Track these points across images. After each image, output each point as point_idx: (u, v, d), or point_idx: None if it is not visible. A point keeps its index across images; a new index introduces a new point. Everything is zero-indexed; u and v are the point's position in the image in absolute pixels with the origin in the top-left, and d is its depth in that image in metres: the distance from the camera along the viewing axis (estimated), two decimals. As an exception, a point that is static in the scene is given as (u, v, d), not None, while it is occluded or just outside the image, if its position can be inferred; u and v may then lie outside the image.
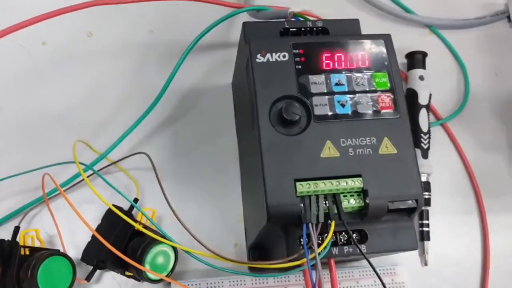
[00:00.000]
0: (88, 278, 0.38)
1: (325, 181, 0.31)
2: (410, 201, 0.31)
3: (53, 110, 0.44)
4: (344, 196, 0.31)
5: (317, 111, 0.32)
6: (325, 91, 0.33)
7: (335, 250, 0.32)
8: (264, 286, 0.40)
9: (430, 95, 0.46)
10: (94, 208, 0.41)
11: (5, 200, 0.41)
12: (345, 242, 0.32)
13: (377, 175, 0.31)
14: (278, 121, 0.32)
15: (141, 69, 0.46)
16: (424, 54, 0.47)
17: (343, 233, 0.32)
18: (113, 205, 0.40)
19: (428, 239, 0.44)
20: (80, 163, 0.37)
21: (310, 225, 0.30)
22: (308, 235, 0.30)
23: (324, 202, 0.31)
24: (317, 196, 0.31)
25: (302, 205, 0.30)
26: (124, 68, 0.46)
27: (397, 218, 0.32)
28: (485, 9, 0.52)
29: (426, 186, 0.44)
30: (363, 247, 0.32)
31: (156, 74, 0.45)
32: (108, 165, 0.42)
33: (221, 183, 0.44)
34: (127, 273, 0.39)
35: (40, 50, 0.46)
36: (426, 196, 0.44)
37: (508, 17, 0.52)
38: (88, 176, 0.41)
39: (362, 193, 0.31)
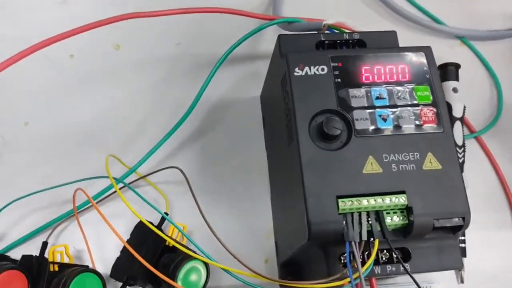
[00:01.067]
0: (118, 296, 0.38)
1: (368, 198, 0.30)
2: (457, 219, 0.30)
3: (80, 124, 0.44)
4: (387, 213, 0.30)
5: (358, 125, 0.31)
6: (366, 105, 0.32)
7: (378, 269, 0.31)
8: (297, 304, 0.39)
9: (464, 107, 0.45)
10: (123, 223, 0.40)
11: (33, 215, 0.41)
12: (386, 260, 0.31)
13: (422, 191, 0.30)
14: (318, 136, 0.31)
15: (168, 82, 0.46)
16: (457, 66, 0.46)
17: (385, 251, 0.31)
18: (143, 219, 0.40)
19: (465, 255, 0.42)
20: (115, 178, 0.37)
21: (353, 243, 0.29)
22: (351, 254, 0.29)
23: (367, 219, 0.30)
24: (360, 213, 0.30)
25: (344, 222, 0.29)
26: (151, 81, 0.46)
27: (441, 236, 0.31)
28: (517, 20, 0.51)
29: (462, 201, 0.43)
30: (406, 266, 0.30)
31: (184, 87, 0.45)
32: (137, 179, 0.41)
33: (249, 197, 0.43)
34: (158, 290, 0.38)
35: (67, 63, 0.46)
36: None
37: (540, 27, 0.51)
38: (120, 188, 0.41)
39: (406, 210, 0.30)
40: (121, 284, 0.38)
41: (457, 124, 0.44)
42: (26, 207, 0.40)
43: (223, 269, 0.31)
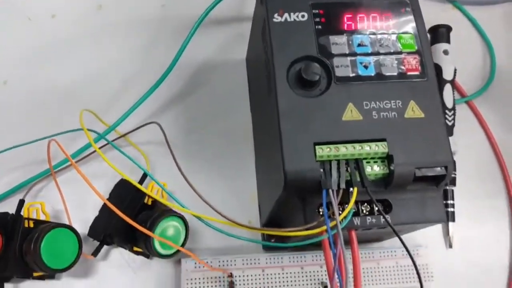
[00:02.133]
0: (95, 254, 0.37)
1: (347, 145, 0.29)
2: (439, 168, 0.29)
3: (61, 84, 0.43)
4: (367, 162, 0.29)
5: (338, 72, 0.30)
6: (347, 52, 0.31)
7: (357, 221, 0.30)
8: (279, 265, 0.38)
9: (455, 70, 0.44)
10: (102, 183, 0.39)
11: (9, 174, 0.40)
12: (367, 213, 0.30)
13: (403, 140, 0.29)
14: (297, 82, 0.30)
15: (152, 44, 0.45)
16: (448, 28, 0.45)
17: (365, 203, 0.30)
18: (122, 179, 0.39)
19: (453, 220, 0.41)
20: (91, 130, 0.36)
21: (330, 191, 0.28)
22: (329, 203, 0.28)
23: (346, 169, 0.29)
24: (338, 161, 0.29)
25: (322, 170, 0.28)
26: (134, 42, 0.45)
27: (423, 188, 0.30)
28: (511, -16, 0.50)
29: (451, 165, 0.42)
30: (387, 218, 0.29)
31: (168, 48, 0.44)
32: (118, 138, 0.40)
33: (233, 161, 0.42)
34: (135, 248, 0.37)
35: (49, 23, 0.45)
36: (452, 175, 0.42)
37: (536, -7, 0.49)
38: (93, 152, 0.40)
39: (387, 159, 0.29)
40: (98, 243, 0.37)
41: (447, 87, 0.43)
42: (2, 166, 0.40)
43: (197, 217, 0.30)
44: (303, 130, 0.29)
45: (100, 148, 0.40)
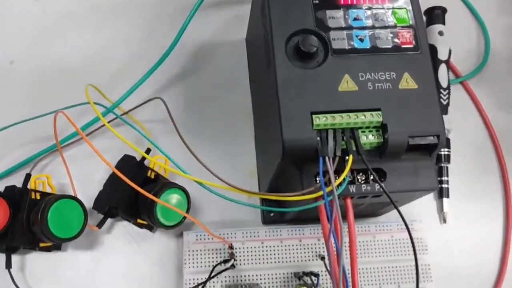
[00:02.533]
0: (100, 225, 0.38)
1: (343, 114, 0.30)
2: (431, 137, 0.30)
3: (66, 64, 0.44)
4: (363, 131, 0.30)
5: (335, 45, 0.31)
6: (343, 26, 0.32)
7: (353, 188, 0.31)
8: (278, 238, 0.40)
9: (450, 51, 0.45)
10: (108, 158, 0.40)
11: (16, 149, 0.41)
12: (362, 182, 0.31)
13: (397, 110, 0.30)
14: (295, 55, 0.31)
15: (154, 24, 0.46)
16: (443, 10, 0.46)
17: (361, 173, 0.31)
18: (126, 154, 0.40)
19: (448, 196, 0.42)
20: (97, 103, 0.37)
21: (327, 159, 0.29)
22: (325, 171, 0.29)
23: (341, 137, 0.30)
24: (335, 130, 0.30)
25: (318, 138, 0.29)
26: (137, 23, 0.46)
27: (417, 157, 0.31)
28: (506, -32, 0.51)
29: (446, 143, 0.43)
30: (382, 185, 0.30)
31: (170, 29, 0.45)
32: (122, 114, 0.42)
33: (233, 137, 0.43)
34: (139, 221, 0.38)
35: (53, 4, 0.46)
36: (446, 152, 0.43)
37: (531, -23, 0.50)
38: (101, 127, 0.41)
39: (381, 128, 0.30)
40: (102, 216, 0.39)
41: (442, 67, 0.44)
42: (9, 142, 0.41)
43: (201, 183, 0.31)
44: (301, 100, 0.30)
45: (101, 126, 0.42)
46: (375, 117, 0.30)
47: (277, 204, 0.37)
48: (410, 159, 0.31)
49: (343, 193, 0.30)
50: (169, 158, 0.33)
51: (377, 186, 0.31)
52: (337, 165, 0.30)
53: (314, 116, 0.29)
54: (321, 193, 0.29)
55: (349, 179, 0.31)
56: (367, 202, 0.34)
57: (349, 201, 0.31)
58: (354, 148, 0.30)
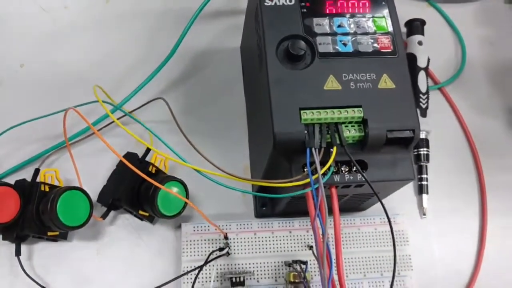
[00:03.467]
0: (104, 216, 0.41)
1: (328, 110, 0.33)
2: (407, 131, 0.33)
3: (73, 67, 0.47)
4: (346, 126, 0.34)
5: (321, 49, 0.35)
6: (329, 32, 0.35)
7: (337, 177, 0.34)
8: (269, 229, 0.42)
9: (429, 59, 0.49)
10: (110, 156, 0.43)
11: (26, 146, 0.44)
12: (346, 172, 0.34)
13: (377, 107, 0.34)
14: (285, 57, 0.34)
15: (155, 33, 0.49)
16: (422, 22, 0.50)
17: (345, 165, 0.34)
18: (128, 151, 0.43)
19: (427, 192, 0.46)
20: (106, 102, 0.40)
21: (313, 150, 0.32)
22: (312, 162, 0.32)
23: (327, 131, 0.33)
24: (321, 125, 0.33)
25: (306, 132, 0.33)
26: (139, 31, 0.49)
27: (395, 150, 0.34)
28: (481, -15, 0.55)
29: (425, 143, 0.47)
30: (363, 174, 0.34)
31: (169, 37, 0.48)
32: (124, 115, 0.45)
33: (229, 136, 0.46)
34: (141, 212, 0.41)
35: (62, 13, 0.49)
36: (425, 152, 0.46)
37: (503, -7, 0.55)
38: (106, 125, 0.44)
39: (362, 123, 0.33)
40: (106, 209, 0.41)
41: (422, 74, 0.48)
42: (20, 139, 0.43)
43: (199, 171, 0.34)
44: (290, 98, 0.33)
45: (107, 125, 0.45)
46: (356, 113, 0.33)
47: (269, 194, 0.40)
48: (388, 151, 0.34)
49: (328, 182, 0.33)
50: (170, 149, 0.36)
51: (359, 176, 0.34)
52: (322, 156, 0.33)
53: (302, 111, 0.33)
54: (308, 180, 0.32)
55: (334, 170, 0.34)
56: (351, 192, 0.37)
57: (334, 190, 0.34)
58: (338, 141, 0.33)
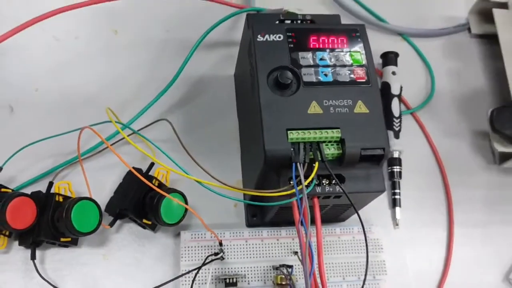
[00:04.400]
0: (111, 224, 0.45)
1: (311, 131, 0.38)
2: (379, 150, 0.39)
3: (83, 92, 0.52)
4: (326, 145, 0.39)
5: (305, 78, 0.40)
6: (312, 64, 0.41)
7: (319, 189, 0.39)
8: (259, 237, 0.47)
9: (401, 87, 0.55)
10: (116, 171, 0.48)
11: (39, 163, 0.48)
12: (326, 184, 0.40)
13: (353, 128, 0.39)
14: (274, 85, 0.40)
15: (158, 62, 0.55)
16: (396, 54, 0.56)
17: (325, 178, 0.40)
18: (133, 167, 0.48)
19: (399, 205, 0.51)
20: (118, 122, 0.45)
21: (298, 164, 0.38)
22: (297, 176, 0.38)
23: (310, 149, 0.38)
24: (305, 143, 0.38)
25: (292, 149, 0.38)
26: (144, 60, 0.55)
27: (368, 166, 0.40)
28: (449, 22, 0.62)
29: (398, 161, 0.52)
30: (342, 187, 0.39)
31: (171, 66, 0.53)
32: (131, 134, 0.50)
33: (223, 154, 0.51)
34: (144, 221, 0.46)
35: (73, 42, 0.54)
36: (398, 169, 0.52)
37: (469, 29, 0.61)
38: (113, 144, 0.49)
39: (341, 142, 0.39)
40: (113, 217, 0.46)
41: (395, 100, 0.54)
42: (35, 155, 0.48)
43: (199, 181, 0.39)
44: (279, 120, 0.39)
45: (114, 143, 0.50)
46: (335, 134, 0.39)
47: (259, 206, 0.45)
48: (363, 167, 0.40)
49: (311, 193, 0.39)
50: (173, 162, 0.41)
51: (337, 188, 0.39)
52: (306, 171, 0.38)
53: (289, 131, 0.38)
54: (293, 191, 0.37)
55: (316, 183, 0.39)
56: (331, 203, 0.42)
57: (316, 200, 0.40)
58: (319, 157, 0.38)
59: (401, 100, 0.55)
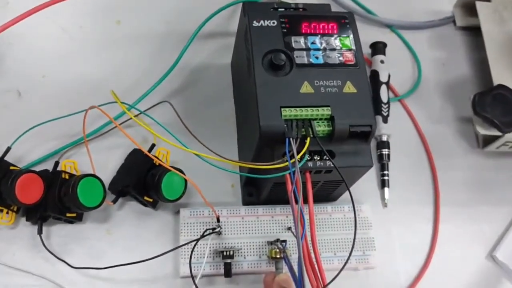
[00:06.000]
0: (114, 201, 0.48)
1: (303, 109, 0.41)
2: (366, 127, 0.42)
3: (88, 78, 0.55)
4: (317, 122, 0.42)
5: (298, 60, 0.43)
6: (304, 47, 0.44)
7: (310, 164, 0.42)
8: (255, 214, 0.50)
9: (389, 75, 0.58)
10: (120, 152, 0.51)
11: (46, 144, 0.51)
12: (318, 160, 0.42)
13: (342, 107, 0.42)
14: (269, 67, 0.43)
15: (159, 50, 0.58)
16: (384, 44, 0.59)
17: (317, 155, 0.42)
18: (135, 148, 0.50)
19: (388, 186, 0.54)
20: (124, 102, 0.48)
21: (291, 140, 0.40)
22: (290, 151, 0.40)
23: (302, 126, 0.41)
24: (297, 120, 0.41)
25: (285, 125, 0.41)
26: (145, 49, 0.58)
27: (357, 142, 0.42)
28: (435, 15, 0.65)
29: (387, 144, 0.55)
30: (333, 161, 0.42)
31: (172, 54, 0.56)
32: (136, 115, 0.52)
33: (220, 135, 0.53)
34: (146, 198, 0.48)
35: (78, 32, 0.57)
36: (387, 152, 0.55)
37: (454, 21, 0.65)
38: (121, 124, 0.52)
39: (331, 120, 0.42)
40: (116, 195, 0.49)
41: (383, 87, 0.57)
42: (43, 136, 0.51)
43: (198, 155, 0.41)
44: (273, 98, 0.41)
45: (121, 123, 0.52)
46: (325, 111, 0.41)
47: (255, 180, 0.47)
48: (352, 143, 0.42)
49: (303, 167, 0.41)
50: (174, 137, 0.43)
51: (328, 163, 0.42)
52: (298, 146, 0.41)
53: (282, 109, 0.41)
54: (287, 163, 0.40)
55: (308, 158, 0.42)
56: (322, 179, 0.45)
57: (308, 175, 0.42)
58: (311, 134, 0.41)
59: (389, 87, 0.57)
